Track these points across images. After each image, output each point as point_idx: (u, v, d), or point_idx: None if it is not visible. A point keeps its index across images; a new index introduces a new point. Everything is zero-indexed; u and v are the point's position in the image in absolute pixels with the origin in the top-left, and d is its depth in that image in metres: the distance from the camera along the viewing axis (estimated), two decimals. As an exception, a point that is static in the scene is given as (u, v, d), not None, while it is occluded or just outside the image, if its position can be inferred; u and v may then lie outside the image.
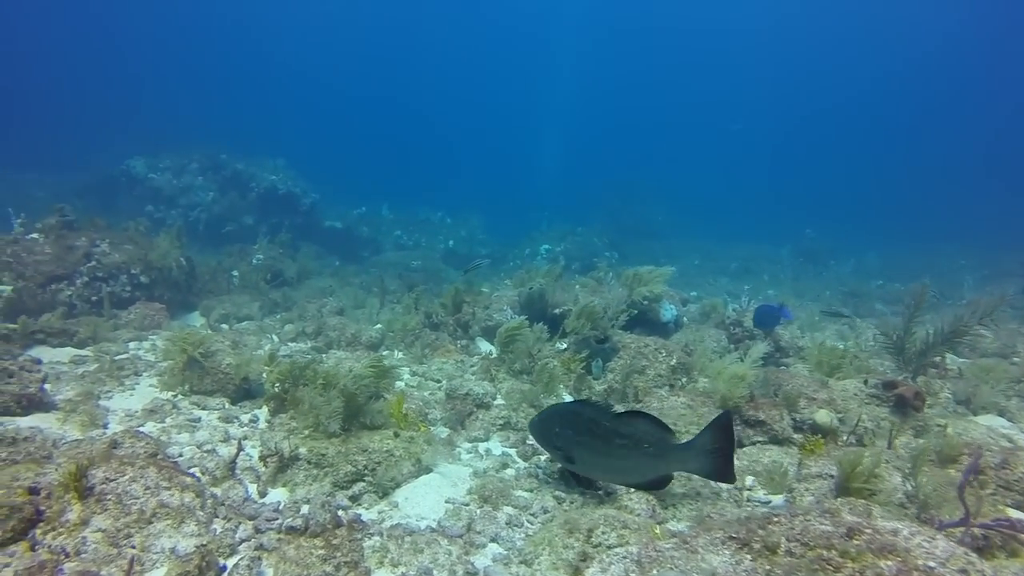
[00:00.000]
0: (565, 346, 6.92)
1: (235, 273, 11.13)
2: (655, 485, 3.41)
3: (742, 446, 4.78)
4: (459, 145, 42.28)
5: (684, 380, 6.29)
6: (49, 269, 8.40)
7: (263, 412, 5.18)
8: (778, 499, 3.74)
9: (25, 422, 4.41)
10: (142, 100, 34.63)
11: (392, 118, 48.82)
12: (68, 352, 6.75)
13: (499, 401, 6.04)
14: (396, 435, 4.13)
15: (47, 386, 5.13)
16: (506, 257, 18.77)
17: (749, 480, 4.11)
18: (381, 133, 44.26)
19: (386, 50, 54.54)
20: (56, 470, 3.32)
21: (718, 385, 5.51)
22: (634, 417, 3.37)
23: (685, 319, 9.85)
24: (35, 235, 8.96)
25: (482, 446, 4.79)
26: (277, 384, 4.81)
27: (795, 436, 4.73)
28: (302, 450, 3.83)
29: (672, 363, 6.30)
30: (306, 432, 4.15)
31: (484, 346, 8.31)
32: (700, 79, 54.43)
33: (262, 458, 3.75)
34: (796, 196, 35.12)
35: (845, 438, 4.61)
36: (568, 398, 6.31)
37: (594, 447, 3.30)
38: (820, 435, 4.60)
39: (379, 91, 53.01)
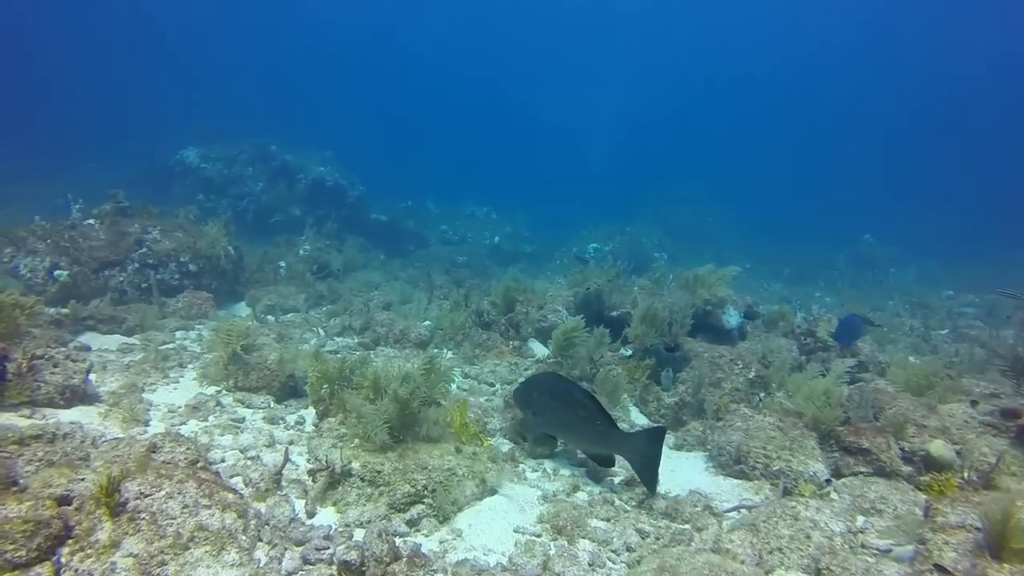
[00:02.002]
0: (631, 352, 6.38)
1: (282, 264, 10.93)
2: (600, 460, 4.02)
3: (840, 476, 4.18)
4: (507, 141, 41.87)
5: (762, 395, 5.68)
6: (103, 255, 8.29)
7: (310, 413, 4.82)
8: (904, 550, 3.15)
9: (67, 415, 4.14)
10: (200, 92, 35.29)
11: (441, 112, 48.75)
12: (116, 340, 6.55)
13: (559, 410, 5.56)
14: (458, 450, 3.68)
15: (92, 376, 4.88)
16: (552, 255, 18.24)
17: (861, 520, 3.52)
18: (430, 127, 44.19)
19: (439, 45, 54.44)
20: (92, 474, 2.99)
21: (798, 401, 4.93)
22: (593, 399, 3.85)
23: (748, 327, 9.18)
24: (91, 221, 8.88)
25: (548, 464, 4.31)
26: (325, 386, 4.43)
27: (904, 468, 4.11)
28: (355, 465, 3.41)
29: (750, 376, 5.70)
30: (356, 441, 3.74)
31: (537, 348, 7.84)
32: (754, 78, 52.72)
33: (311, 473, 3.36)
34: (854, 200, 33.51)
35: (965, 475, 3.96)
36: (633, 409, 5.79)
37: (561, 411, 3.83)
38: (937, 470, 3.97)
39: (430, 86, 52.96)
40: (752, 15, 50.77)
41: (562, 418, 3.85)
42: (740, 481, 4.19)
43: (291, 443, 4.25)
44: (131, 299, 8.13)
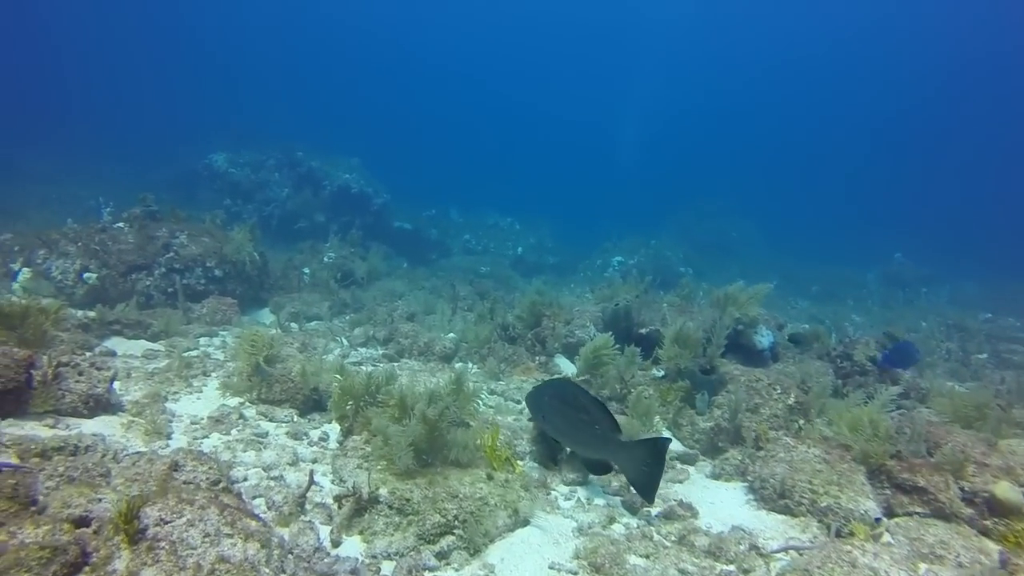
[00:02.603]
0: (663, 373, 6.15)
1: (306, 271, 10.88)
2: (596, 466, 3.90)
3: (893, 515, 3.92)
4: (532, 152, 41.84)
5: (801, 422, 5.42)
6: (131, 258, 8.30)
7: (334, 429, 4.67)
8: (975, 605, 2.89)
9: (90, 426, 4.04)
10: (230, 98, 35.85)
11: (467, 123, 48.90)
12: (141, 345, 6.50)
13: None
14: (489, 477, 3.50)
15: (116, 384, 4.79)
16: (575, 267, 18.04)
17: (923, 569, 3.26)
18: (456, 137, 44.34)
19: (466, 56, 54.80)
20: (111, 494, 2.86)
21: (842, 430, 4.67)
22: (600, 406, 3.75)
23: (780, 348, 8.89)
24: (121, 224, 8.91)
25: (581, 491, 4.10)
26: (349, 403, 4.28)
27: (965, 511, 3.83)
28: (383, 491, 3.25)
29: (789, 402, 5.44)
30: (382, 464, 3.58)
31: (564, 364, 7.64)
32: (782, 92, 52.16)
33: (337, 499, 3.20)
34: (884, 217, 32.80)
35: (1033, 520, 3.68)
36: (667, 433, 5.55)
37: (567, 415, 3.78)
38: (1002, 514, 3.69)
39: (457, 96, 53.22)
40: (779, 29, 50.33)
41: (566, 421, 3.83)
42: (785, 517, 3.94)
43: (315, 461, 4.11)
44: (157, 303, 8.11)
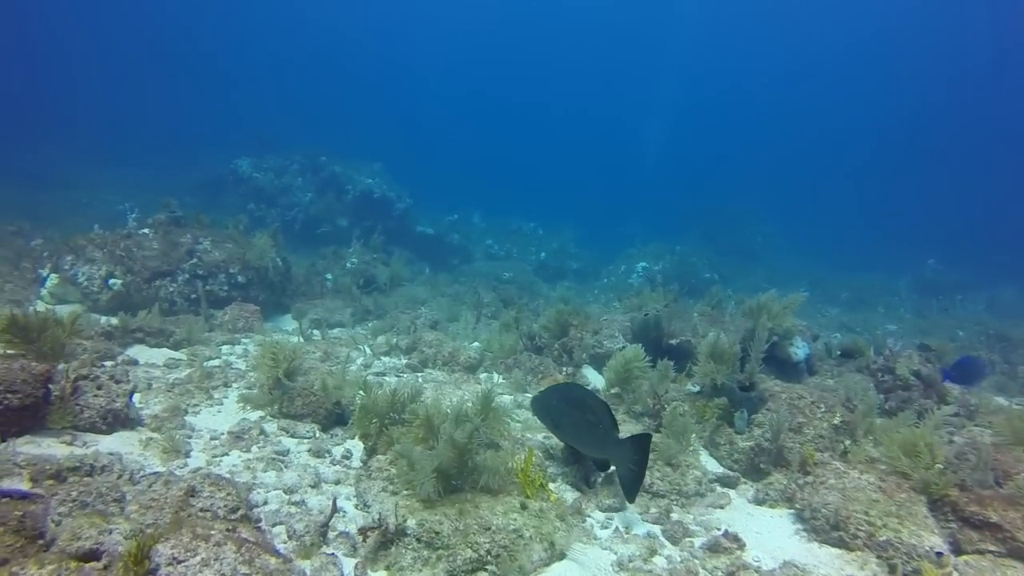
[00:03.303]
0: (698, 388, 5.86)
1: (329, 276, 10.76)
2: (599, 464, 4.09)
3: (961, 552, 3.59)
4: (555, 156, 41.57)
5: (848, 443, 5.09)
6: (155, 265, 8.23)
7: (357, 446, 4.47)
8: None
9: (107, 442, 3.89)
10: (257, 103, 36.23)
11: (490, 127, 48.81)
12: (163, 354, 6.39)
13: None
14: (523, 507, 3.26)
15: (136, 397, 4.66)
16: (599, 273, 17.73)
17: (1002, 619, 2.95)
18: (479, 141, 44.25)
19: (487, 59, 54.75)
20: (124, 523, 2.68)
21: (893, 454, 4.34)
22: (604, 406, 3.88)
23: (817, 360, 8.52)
24: (146, 230, 8.86)
25: (619, 519, 3.84)
26: (374, 421, 4.08)
27: (1041, 549, 3.49)
28: (410, 522, 3.03)
29: (835, 422, 5.11)
30: (409, 489, 3.36)
31: (592, 375, 7.38)
32: (809, 93, 51.21)
33: (362, 531, 2.99)
34: (916, 222, 31.90)
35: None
36: (703, 452, 5.26)
37: (574, 417, 3.86)
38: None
39: (478, 99, 53.18)
40: (806, 30, 49.43)
41: (574, 423, 3.91)
42: (840, 551, 3.64)
43: (338, 483, 3.91)
44: (180, 310, 8.03)
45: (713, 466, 5.06)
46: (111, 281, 8.01)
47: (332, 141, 18.63)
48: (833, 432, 5.07)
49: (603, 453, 3.93)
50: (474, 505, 3.24)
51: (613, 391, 6.36)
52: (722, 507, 4.30)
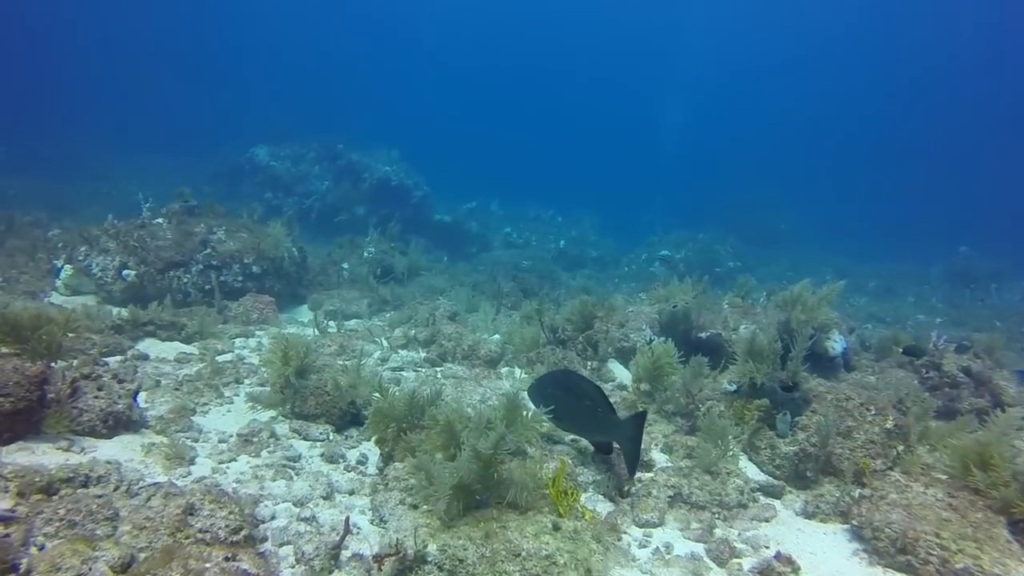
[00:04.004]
0: (735, 387, 5.45)
1: (345, 266, 10.47)
2: (602, 447, 4.11)
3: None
4: (574, 143, 40.84)
5: (900, 449, 4.66)
6: (168, 255, 7.99)
7: (372, 450, 4.15)
8: None
9: (107, 448, 3.61)
10: (274, 91, 36.03)
11: (508, 113, 48.11)
12: (175, 348, 6.14)
13: (658, 456, 4.71)
14: (555, 527, 2.91)
15: (142, 396, 4.39)
16: (619, 261, 17.26)
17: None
18: (497, 128, 43.63)
19: (505, 45, 53.85)
20: (112, 548, 2.38)
21: (954, 463, 3.91)
22: (598, 390, 3.93)
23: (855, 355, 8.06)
24: (160, 220, 8.63)
25: (657, 535, 3.48)
26: (391, 425, 3.76)
27: None
28: (431, 548, 2.70)
29: (887, 426, 4.68)
30: (428, 506, 3.03)
31: (617, 369, 7.01)
32: (828, 73, 49.69)
33: (377, 559, 2.66)
34: (946, 207, 30.80)
35: None
36: (742, 457, 4.87)
37: (569, 402, 3.83)
38: None
39: (496, 85, 52.36)
40: (829, 10, 47.86)
41: (570, 409, 3.88)
42: (907, 577, 3.25)
43: (352, 492, 3.60)
44: (194, 301, 7.79)
45: (753, 472, 4.67)
46: (125, 272, 7.79)
47: (349, 129, 18.29)
48: (885, 437, 4.64)
49: (605, 435, 3.97)
50: (501, 525, 2.90)
51: (641, 387, 5.99)
52: (768, 520, 3.92)
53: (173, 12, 47.08)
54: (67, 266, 8.10)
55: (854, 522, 3.67)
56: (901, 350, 7.06)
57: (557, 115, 48.27)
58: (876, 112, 47.69)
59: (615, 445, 4.07)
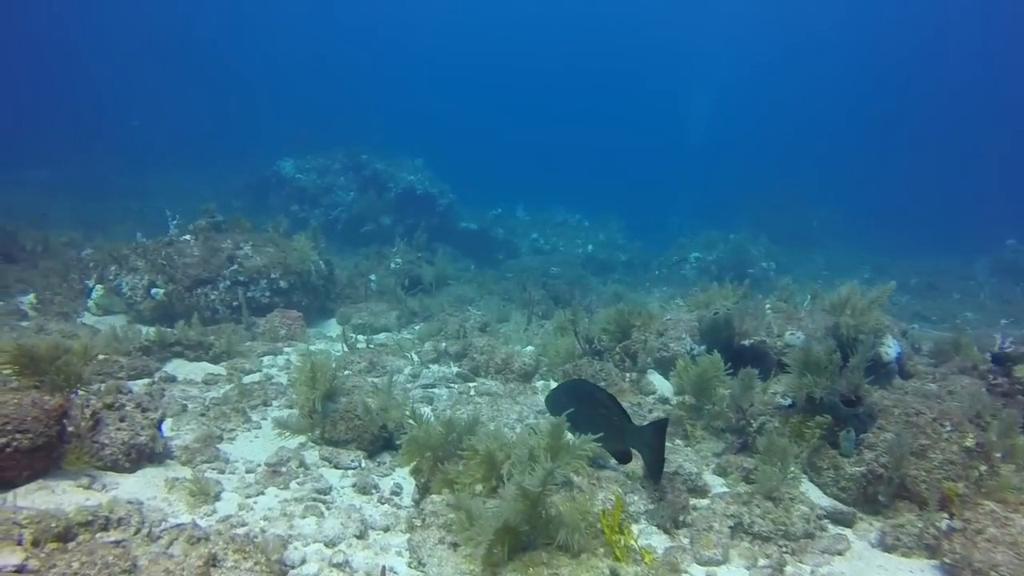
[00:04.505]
0: (790, 401, 5.05)
1: (372, 278, 10.28)
2: (620, 455, 3.98)
3: None
4: (599, 146, 40.37)
5: (983, 470, 4.21)
6: (196, 272, 7.87)
7: (407, 480, 3.88)
8: None
9: (130, 484, 3.40)
10: (300, 104, 36.40)
11: (530, 117, 47.88)
12: (203, 369, 5.97)
13: (712, 479, 4.35)
14: (614, 573, 2.59)
15: (167, 424, 4.19)
16: (648, 265, 16.83)
17: None
18: (519, 133, 43.43)
19: (525, 50, 53.65)
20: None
21: None
22: (612, 398, 3.92)
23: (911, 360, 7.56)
24: (187, 237, 8.54)
25: (723, 575, 3.14)
26: (427, 455, 3.48)
27: None
28: (478, 605, 2.40)
29: (966, 444, 4.24)
30: (470, 548, 2.74)
31: (658, 381, 6.64)
32: (858, 66, 48.35)
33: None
34: (990, 198, 29.57)
35: None
36: (803, 478, 4.47)
37: (585, 413, 3.75)
38: None
39: (518, 90, 52.16)
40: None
41: (586, 419, 3.80)
42: (1015, 627, 2.84)
43: (387, 529, 3.32)
44: (222, 318, 7.65)
45: (815, 495, 4.28)
46: (153, 291, 7.69)
47: (373, 137, 18.22)
48: (965, 456, 4.20)
49: (622, 443, 3.94)
50: (553, 572, 2.59)
51: (685, 400, 5.64)
52: (841, 553, 3.53)
53: (198, 29, 47.99)
54: (98, 286, 8.05)
55: (945, 559, 3.26)
56: (989, 357, 6.53)
57: (580, 118, 47.88)
58: (907, 100, 46.23)
59: (634, 453, 4.02)
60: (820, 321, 7.46)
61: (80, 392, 3.55)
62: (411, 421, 3.62)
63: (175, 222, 8.99)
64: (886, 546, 3.60)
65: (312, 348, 7.16)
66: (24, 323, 7.01)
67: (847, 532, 3.79)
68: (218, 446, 4.14)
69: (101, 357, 5.70)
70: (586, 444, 3.34)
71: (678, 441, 5.23)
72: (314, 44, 50.30)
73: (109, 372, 5.34)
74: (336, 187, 15.92)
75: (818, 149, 39.65)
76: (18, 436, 3.13)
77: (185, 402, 4.89)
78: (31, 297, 7.89)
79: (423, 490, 3.58)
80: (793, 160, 35.80)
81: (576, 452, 3.36)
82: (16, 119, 27.79)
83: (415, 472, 3.66)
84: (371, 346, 7.28)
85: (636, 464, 4.08)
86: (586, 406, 3.86)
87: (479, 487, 3.42)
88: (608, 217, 18.66)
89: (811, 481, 4.50)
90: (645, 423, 4.15)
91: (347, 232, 14.75)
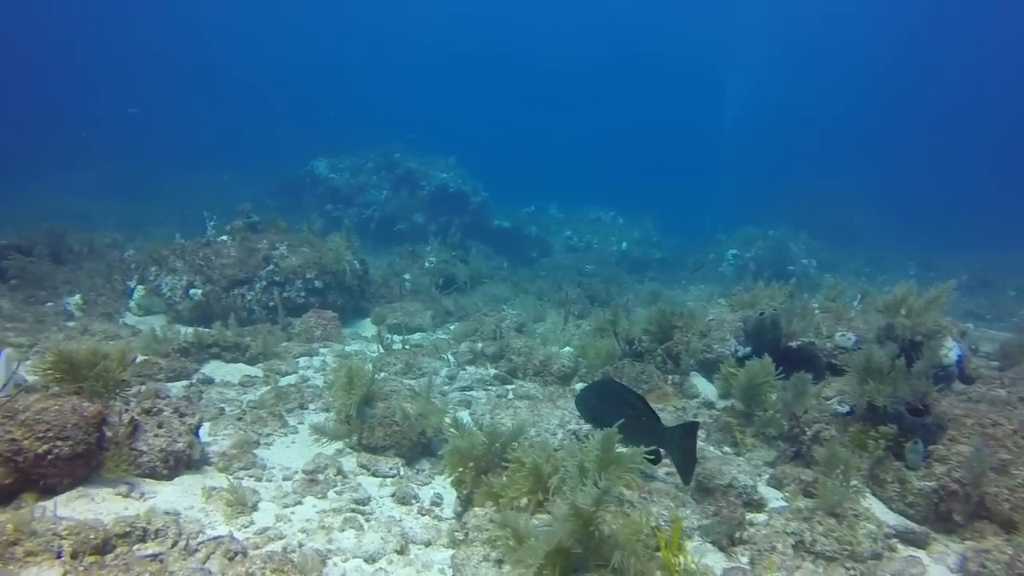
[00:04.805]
0: (847, 409, 4.74)
1: (407, 277, 10.20)
2: (653, 456, 3.69)
3: None
4: (630, 141, 39.75)
5: (1070, 488, 3.85)
6: (232, 273, 7.88)
7: (447, 488, 3.72)
8: None
9: (168, 493, 3.32)
10: (334, 104, 36.77)
11: (561, 115, 47.45)
12: (239, 371, 5.93)
13: (767, 491, 4.09)
14: (676, 607, 2.39)
15: (204, 429, 4.12)
16: (684, 262, 16.42)
17: None
18: (550, 130, 43.06)
19: (558, 48, 53.16)
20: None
21: None
22: (640, 399, 3.86)
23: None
24: (224, 238, 8.57)
25: (789, 607, 2.89)
26: (469, 466, 3.31)
27: None
28: (530, 639, 2.22)
29: (1051, 459, 3.88)
30: (516, 569, 2.56)
31: (701, 384, 6.37)
32: (895, 55, 46.53)
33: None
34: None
35: None
36: (866, 492, 4.17)
37: (613, 412, 3.67)
38: None
39: (550, 88, 51.73)
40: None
41: (613, 417, 3.65)
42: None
43: (428, 544, 3.16)
44: (259, 319, 7.64)
45: (879, 509, 3.97)
46: (192, 291, 7.73)
47: (405, 137, 18.16)
48: (1050, 473, 3.85)
49: (650, 443, 3.75)
50: (608, 600, 2.39)
51: (733, 405, 5.37)
52: (916, 579, 3.24)
53: (235, 33, 48.84)
54: (139, 287, 8.13)
55: (1038, 589, 2.95)
56: None
57: (613, 115, 47.21)
58: (952, 88, 44.33)
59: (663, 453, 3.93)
60: (872, 321, 7.09)
61: (118, 398, 3.47)
62: (452, 430, 3.45)
63: (212, 223, 9.04)
64: (969, 573, 3.29)
65: (347, 349, 7.10)
66: (71, 323, 7.11)
67: (920, 554, 3.49)
68: (255, 452, 4.05)
69: (141, 359, 5.74)
70: (638, 457, 3.14)
71: (727, 449, 4.98)
72: (345, 45, 50.82)
73: (148, 374, 5.33)
74: (369, 186, 15.93)
75: (857, 143, 38.31)
76: (59, 443, 3.07)
77: (222, 405, 4.84)
78: (77, 298, 8.01)
79: (465, 502, 3.42)
80: (831, 154, 34.67)
81: (628, 465, 3.16)
82: (59, 124, 28.71)
83: (456, 483, 3.49)
84: (407, 347, 7.17)
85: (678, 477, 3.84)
86: (615, 406, 3.83)
87: (524, 500, 3.25)
88: (643, 214, 18.28)
89: (873, 495, 4.20)
90: (674, 424, 4.09)
91: (380, 231, 14.74)
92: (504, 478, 3.30)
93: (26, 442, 2.99)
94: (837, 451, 3.97)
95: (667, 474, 4.10)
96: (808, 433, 4.74)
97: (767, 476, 4.38)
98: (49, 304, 7.84)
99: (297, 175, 17.46)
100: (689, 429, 3.72)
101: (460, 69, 51.93)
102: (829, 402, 4.97)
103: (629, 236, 16.94)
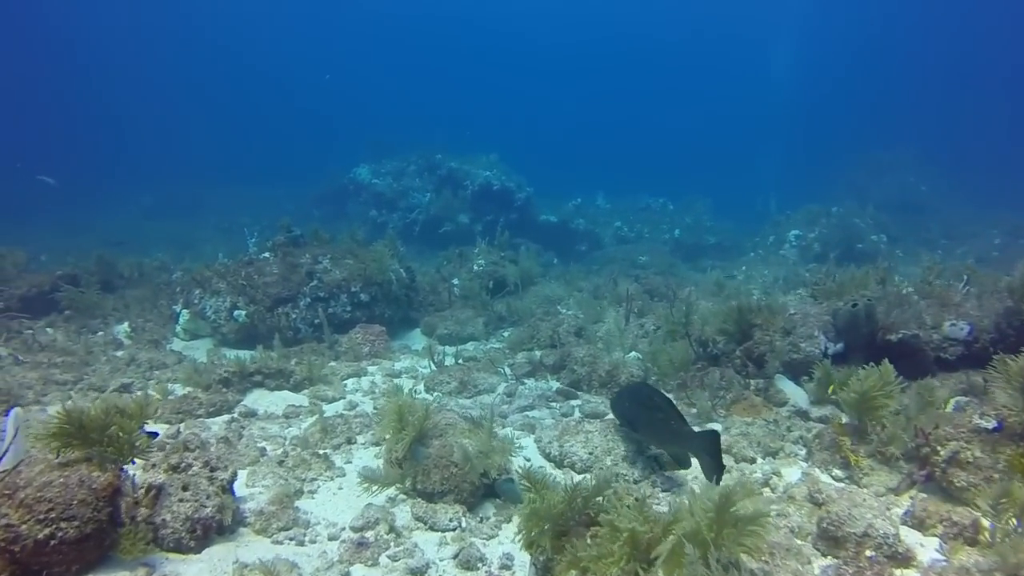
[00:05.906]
0: (995, 424, 3.83)
1: (455, 282, 9.59)
2: (678, 457, 3.94)
3: None
4: (674, 123, 38.06)
5: None
6: (276, 291, 7.44)
7: (517, 544, 3.05)
8: None
9: (193, 571, 2.78)
10: (373, 109, 36.70)
11: (605, 101, 46.00)
12: (283, 399, 5.44)
13: (907, 533, 3.26)
14: None
15: (242, 479, 3.61)
16: (742, 247, 15.28)
17: None
18: (593, 118, 41.77)
19: (593, 36, 51.55)
20: None
21: None
22: (670, 403, 3.85)
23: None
24: (266, 255, 8.15)
25: None
26: (546, 527, 2.64)
27: None
28: None
29: None
30: None
31: (789, 389, 5.51)
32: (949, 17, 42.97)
33: None
34: None
35: None
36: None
37: (645, 417, 3.86)
38: None
39: (591, 73, 50.22)
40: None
41: (647, 422, 3.89)
42: None
43: (502, 632, 2.51)
44: (305, 337, 7.18)
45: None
46: (236, 313, 7.34)
47: (444, 138, 17.60)
48: None
49: (679, 446, 3.89)
50: None
51: (839, 418, 4.53)
52: None
53: (277, 40, 49.32)
54: (184, 311, 7.81)
55: None
56: None
57: (656, 97, 45.44)
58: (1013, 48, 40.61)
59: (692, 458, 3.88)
60: (989, 307, 6.07)
61: (137, 462, 2.95)
62: (525, 483, 2.79)
63: (254, 239, 8.68)
64: None
65: (397, 366, 6.55)
66: (119, 353, 6.83)
67: None
68: (297, 504, 3.50)
69: (182, 392, 5.33)
70: (764, 519, 2.41)
71: (836, 472, 4.15)
72: (380, 50, 50.74)
73: (188, 410, 4.90)
74: (412, 189, 15.44)
75: (918, 109, 35.56)
76: (63, 525, 2.56)
77: (263, 444, 4.33)
78: (125, 326, 7.76)
79: (543, 571, 2.76)
80: (889, 123, 32.23)
81: (750, 530, 2.43)
82: (119, 147, 29.54)
83: (531, 547, 2.83)
84: (459, 361, 6.56)
85: (804, 513, 3.05)
86: (645, 409, 3.87)
87: (614, 570, 2.56)
88: (693, 199, 17.13)
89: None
90: (700, 429, 4.08)
91: (425, 234, 14.23)
92: (589, 541, 2.63)
93: (24, 527, 2.49)
94: (1012, 488, 3.10)
95: (777, 510, 3.31)
96: (942, 453, 3.86)
97: (900, 511, 3.54)
98: (100, 333, 7.61)
99: (340, 183, 17.16)
100: (713, 436, 3.60)
101: (497, 64, 51.09)
102: (973, 417, 4.04)
103: (681, 222, 15.89)
